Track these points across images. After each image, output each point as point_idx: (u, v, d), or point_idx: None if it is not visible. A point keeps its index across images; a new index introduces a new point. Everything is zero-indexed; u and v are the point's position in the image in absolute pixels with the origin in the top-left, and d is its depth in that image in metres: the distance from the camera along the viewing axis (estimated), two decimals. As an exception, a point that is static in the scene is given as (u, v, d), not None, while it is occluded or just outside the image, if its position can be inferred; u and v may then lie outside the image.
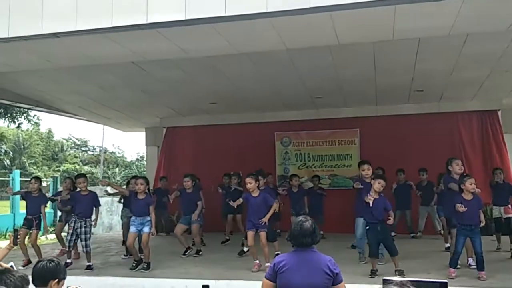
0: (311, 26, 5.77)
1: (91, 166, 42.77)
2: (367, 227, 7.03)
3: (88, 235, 7.93)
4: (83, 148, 49.03)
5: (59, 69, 8.22)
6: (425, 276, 6.16)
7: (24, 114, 21.95)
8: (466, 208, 6.42)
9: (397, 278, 2.96)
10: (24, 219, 8.51)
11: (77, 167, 39.93)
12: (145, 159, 22.33)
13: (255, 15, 5.30)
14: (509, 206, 8.70)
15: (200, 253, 8.90)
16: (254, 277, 6.46)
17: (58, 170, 37.85)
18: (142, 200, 7.79)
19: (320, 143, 12.60)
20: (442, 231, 9.39)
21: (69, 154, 45.65)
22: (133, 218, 7.86)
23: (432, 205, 9.94)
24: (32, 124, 26.18)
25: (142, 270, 7.50)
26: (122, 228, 10.26)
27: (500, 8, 5.34)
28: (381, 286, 3.12)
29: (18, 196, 13.37)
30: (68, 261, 7.86)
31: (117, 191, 9.61)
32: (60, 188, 12.59)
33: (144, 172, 16.32)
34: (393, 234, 9.87)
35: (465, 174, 7.07)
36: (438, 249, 8.78)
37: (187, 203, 8.95)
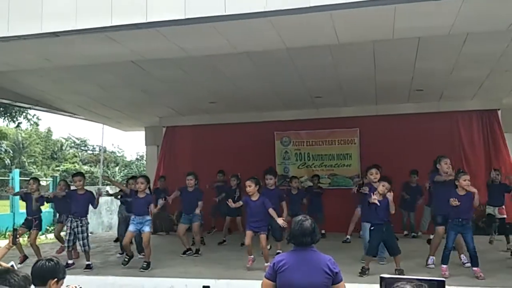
0: (311, 25, 5.76)
1: (90, 166, 42.76)
2: (372, 228, 7.05)
3: (85, 234, 7.93)
4: (82, 148, 49.04)
5: (59, 68, 8.21)
6: (425, 275, 6.15)
7: (24, 114, 21.97)
8: (460, 203, 6.55)
9: (391, 276, 2.96)
10: (25, 220, 8.54)
11: (77, 166, 39.92)
12: (144, 158, 22.34)
13: (255, 14, 5.28)
14: (503, 207, 8.76)
15: (200, 252, 8.88)
16: (254, 276, 6.46)
17: (58, 170, 37.85)
18: (142, 199, 7.78)
19: (320, 142, 12.59)
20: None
21: (69, 153, 45.64)
22: (132, 217, 7.84)
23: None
24: (31, 123, 26.19)
25: (142, 270, 7.48)
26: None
27: (500, 8, 5.34)
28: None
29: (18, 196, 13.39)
30: (70, 261, 7.86)
31: (117, 188, 9.61)
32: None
33: (144, 172, 16.31)
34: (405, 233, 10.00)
35: (460, 170, 7.17)
36: (438, 249, 8.77)
37: (188, 202, 8.86)
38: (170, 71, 8.84)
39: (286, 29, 5.91)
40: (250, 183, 7.45)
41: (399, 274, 6.26)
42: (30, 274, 3.25)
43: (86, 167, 41.09)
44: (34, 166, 39.65)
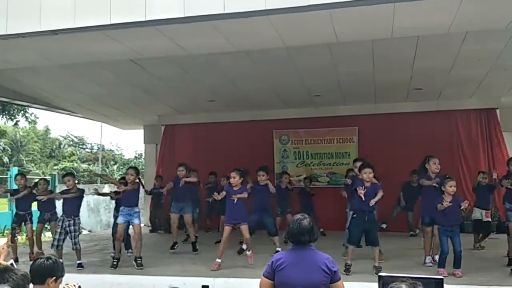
0: (310, 24, 5.77)
1: (89, 164, 42.74)
2: (354, 215, 7.06)
3: (77, 233, 7.91)
4: (81, 146, 49.00)
5: (58, 66, 8.20)
6: (423, 274, 6.16)
7: (22, 112, 21.93)
8: (448, 206, 6.57)
9: (389, 274, 2.96)
10: (15, 216, 8.58)
11: (75, 165, 39.90)
12: (143, 156, 22.33)
13: (254, 12, 5.28)
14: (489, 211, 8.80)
15: (196, 247, 8.93)
16: (253, 275, 6.45)
17: (56, 168, 37.80)
18: (131, 190, 7.78)
19: (318, 141, 12.61)
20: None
21: (67, 152, 45.59)
22: (121, 208, 7.83)
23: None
24: (29, 121, 26.17)
25: (139, 268, 7.46)
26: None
27: (499, 6, 5.34)
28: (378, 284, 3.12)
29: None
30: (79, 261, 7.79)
31: (111, 184, 9.60)
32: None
33: (143, 170, 16.31)
34: (384, 226, 10.01)
35: (446, 176, 7.04)
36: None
37: (179, 190, 8.95)
38: (169, 69, 8.83)
39: (285, 27, 5.91)
40: (235, 174, 7.53)
41: (376, 273, 6.24)
42: (28, 273, 3.25)
43: (84, 166, 41.08)
44: (32, 165, 39.61)
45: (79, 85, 10.13)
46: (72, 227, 7.85)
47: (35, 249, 8.75)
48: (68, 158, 43.60)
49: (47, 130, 45.43)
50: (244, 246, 8.56)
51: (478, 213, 8.74)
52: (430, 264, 7.24)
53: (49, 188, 9.53)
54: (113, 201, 9.70)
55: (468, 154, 11.67)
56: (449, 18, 5.56)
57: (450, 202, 6.62)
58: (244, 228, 7.46)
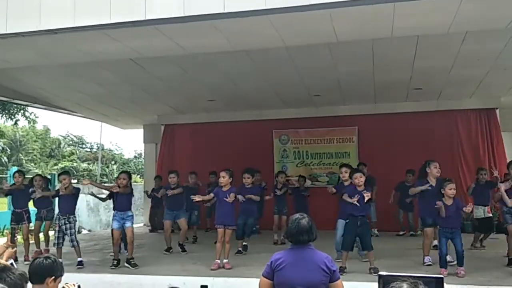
0: (310, 23, 5.76)
1: (88, 163, 42.74)
2: (347, 220, 7.08)
3: (73, 230, 7.93)
4: (80, 145, 49.00)
5: (58, 66, 8.20)
6: (423, 273, 6.16)
7: (21, 111, 21.91)
8: (448, 209, 6.58)
9: (389, 273, 2.96)
10: (12, 214, 8.53)
11: (75, 164, 39.90)
12: (143, 156, 22.32)
13: (254, 12, 5.29)
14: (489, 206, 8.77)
15: (185, 246, 9.06)
16: (252, 274, 6.45)
17: (56, 168, 37.81)
18: (124, 194, 7.79)
19: (318, 141, 12.60)
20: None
21: (67, 151, 45.59)
22: (114, 212, 7.86)
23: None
24: (29, 121, 26.15)
25: (132, 268, 7.49)
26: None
27: (499, 6, 5.34)
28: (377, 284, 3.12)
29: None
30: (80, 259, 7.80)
31: (102, 189, 9.57)
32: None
33: (142, 170, 16.32)
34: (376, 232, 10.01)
35: (446, 178, 7.01)
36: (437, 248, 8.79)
37: (172, 198, 9.06)
38: (169, 69, 8.82)
39: (285, 27, 5.91)
40: (224, 174, 7.53)
41: (374, 273, 6.27)
42: (27, 272, 3.24)
43: (84, 165, 41.09)
44: (32, 164, 39.60)
45: (79, 84, 10.13)
46: (68, 225, 7.86)
47: (34, 248, 8.75)
48: (68, 157, 43.60)
49: (46, 130, 45.44)
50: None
51: (480, 212, 8.65)
52: (430, 264, 7.23)
53: (49, 186, 9.49)
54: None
55: (468, 154, 11.66)
56: (449, 18, 5.56)
57: (450, 206, 6.62)
58: (228, 233, 7.44)
